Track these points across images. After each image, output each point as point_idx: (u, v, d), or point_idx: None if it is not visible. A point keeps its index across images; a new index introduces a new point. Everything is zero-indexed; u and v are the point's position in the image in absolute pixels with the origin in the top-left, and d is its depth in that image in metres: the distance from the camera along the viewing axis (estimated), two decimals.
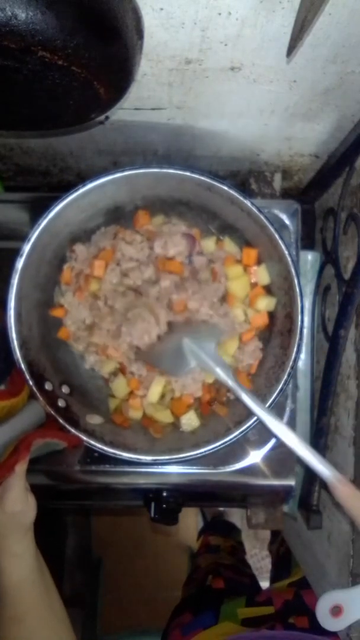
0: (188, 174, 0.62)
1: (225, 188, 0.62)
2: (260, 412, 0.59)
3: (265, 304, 0.69)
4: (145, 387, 0.69)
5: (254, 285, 0.70)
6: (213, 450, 0.63)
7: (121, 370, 0.71)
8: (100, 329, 0.69)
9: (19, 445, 0.59)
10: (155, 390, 0.68)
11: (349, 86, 0.64)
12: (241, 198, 0.62)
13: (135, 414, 0.70)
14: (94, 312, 0.69)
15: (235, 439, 0.64)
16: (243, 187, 0.88)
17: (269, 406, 0.63)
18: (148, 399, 0.69)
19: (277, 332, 0.68)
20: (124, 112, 0.72)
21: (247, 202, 0.62)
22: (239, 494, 0.81)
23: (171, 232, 0.69)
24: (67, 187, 0.62)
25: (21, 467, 0.58)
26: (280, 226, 0.73)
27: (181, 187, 0.65)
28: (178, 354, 0.64)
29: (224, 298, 0.70)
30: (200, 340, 0.64)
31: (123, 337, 0.68)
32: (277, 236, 0.63)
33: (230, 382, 0.61)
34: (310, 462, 0.55)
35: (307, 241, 0.91)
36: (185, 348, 0.64)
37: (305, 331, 0.83)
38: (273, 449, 0.72)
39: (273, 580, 1.16)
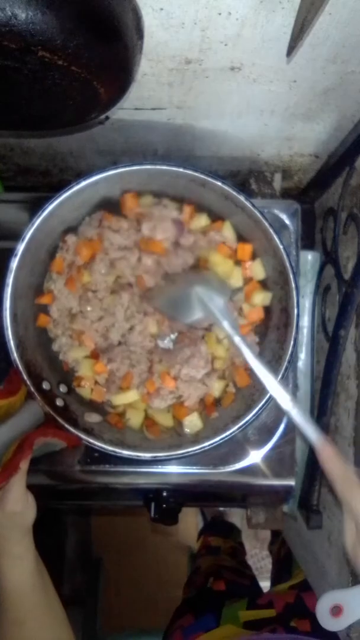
0: (181, 170, 0.62)
1: (219, 184, 0.62)
2: (259, 367, 0.59)
3: (261, 298, 0.69)
4: (115, 382, 0.69)
5: (249, 280, 0.70)
6: (213, 445, 0.63)
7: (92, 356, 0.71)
8: (85, 318, 0.68)
9: (22, 444, 0.60)
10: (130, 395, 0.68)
11: (349, 86, 0.64)
12: (235, 193, 0.62)
13: (135, 419, 0.70)
14: (83, 302, 0.69)
15: (234, 433, 0.63)
16: (243, 187, 0.88)
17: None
18: (122, 399, 0.69)
19: (273, 326, 0.68)
20: (124, 112, 0.72)
21: (241, 197, 0.62)
22: (239, 494, 0.81)
23: (162, 215, 0.68)
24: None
25: (24, 466, 0.59)
26: (280, 226, 0.73)
27: (175, 183, 0.65)
28: (186, 301, 0.64)
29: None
30: (212, 292, 0.63)
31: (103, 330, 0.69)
32: (271, 230, 0.62)
33: (235, 337, 0.60)
34: (298, 422, 0.55)
35: (307, 241, 0.91)
36: (195, 297, 0.64)
37: (305, 331, 0.83)
38: (273, 448, 0.72)
39: (274, 582, 1.16)
